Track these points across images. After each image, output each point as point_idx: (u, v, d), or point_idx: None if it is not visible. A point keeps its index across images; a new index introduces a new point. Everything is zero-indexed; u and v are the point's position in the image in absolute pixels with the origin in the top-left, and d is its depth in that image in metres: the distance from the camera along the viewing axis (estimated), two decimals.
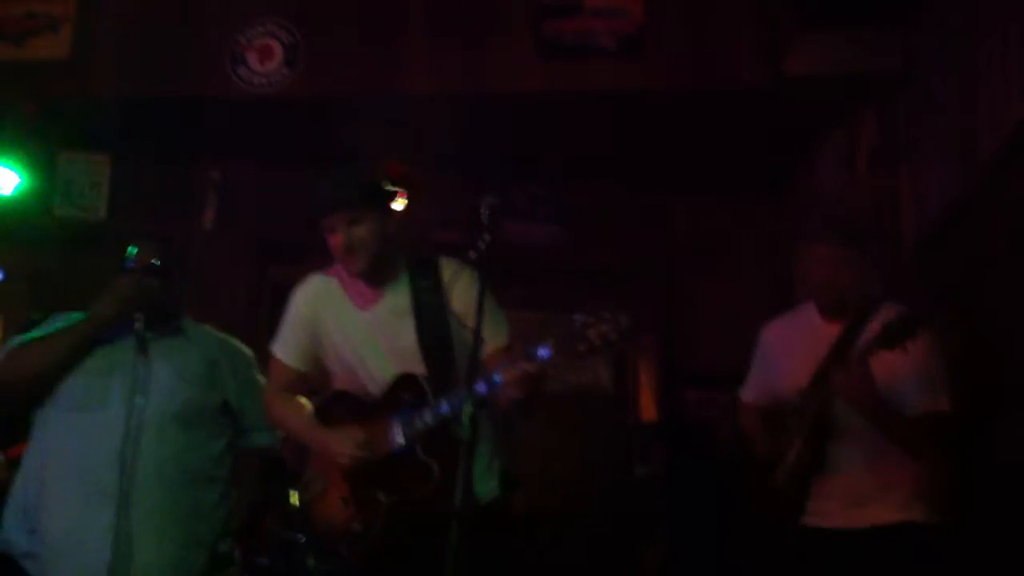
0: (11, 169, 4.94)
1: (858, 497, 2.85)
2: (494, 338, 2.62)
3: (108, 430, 2.76)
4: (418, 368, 2.66)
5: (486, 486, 2.69)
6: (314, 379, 2.91)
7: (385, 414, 2.66)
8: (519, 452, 3.11)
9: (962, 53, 3.49)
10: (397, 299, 2.77)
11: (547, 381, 2.48)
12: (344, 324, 2.81)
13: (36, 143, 5.06)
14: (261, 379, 3.09)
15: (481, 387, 2.38)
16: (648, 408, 5.74)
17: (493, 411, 2.65)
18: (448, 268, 2.78)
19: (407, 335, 2.71)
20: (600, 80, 4.51)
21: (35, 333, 2.94)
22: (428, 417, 2.56)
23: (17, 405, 3.03)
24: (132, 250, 2.97)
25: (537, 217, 5.49)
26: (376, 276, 2.78)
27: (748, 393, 3.30)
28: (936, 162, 3.72)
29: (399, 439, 2.60)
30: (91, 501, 2.72)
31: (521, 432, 2.91)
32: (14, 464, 3.73)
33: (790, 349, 3.10)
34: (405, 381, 2.65)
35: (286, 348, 2.89)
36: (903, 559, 2.77)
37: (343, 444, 2.65)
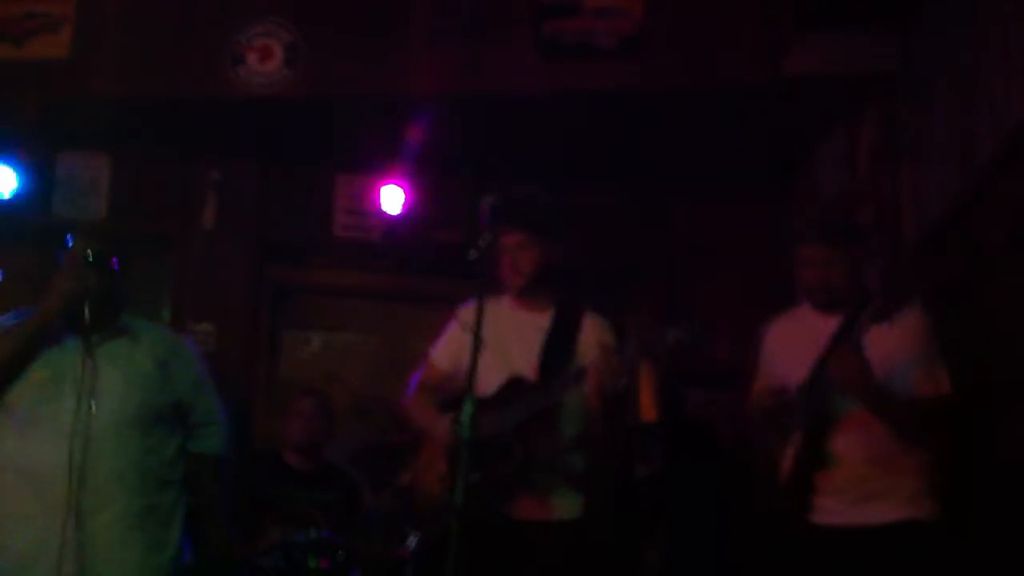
0: (11, 169, 4.93)
1: (863, 493, 2.85)
2: None
3: (59, 440, 2.71)
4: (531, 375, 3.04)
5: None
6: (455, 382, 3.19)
7: (492, 408, 2.95)
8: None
9: (962, 53, 3.49)
10: (542, 321, 3.15)
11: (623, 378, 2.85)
12: (494, 335, 3.06)
13: (36, 143, 5.06)
14: (207, 375, 3.09)
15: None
16: (648, 408, 5.74)
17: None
18: (591, 322, 3.13)
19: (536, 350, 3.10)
20: (600, 80, 4.51)
21: None
22: (523, 409, 2.93)
23: None
24: (68, 243, 2.91)
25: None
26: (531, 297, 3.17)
27: (755, 392, 3.31)
28: (936, 162, 3.73)
29: (496, 426, 2.91)
30: (48, 514, 2.68)
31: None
32: None
33: (790, 346, 3.11)
34: (515, 382, 3.02)
35: (439, 352, 3.28)
36: (908, 557, 2.77)
37: (445, 427, 3.01)
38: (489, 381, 3.02)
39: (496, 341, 3.04)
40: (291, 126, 5.06)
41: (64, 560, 2.65)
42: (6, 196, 4.93)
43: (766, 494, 3.12)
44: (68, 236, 2.93)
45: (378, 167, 5.28)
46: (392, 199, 5.27)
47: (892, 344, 2.81)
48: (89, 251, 2.85)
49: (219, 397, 3.13)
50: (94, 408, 2.74)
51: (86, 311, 2.78)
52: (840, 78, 4.17)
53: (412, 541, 3.89)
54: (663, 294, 5.57)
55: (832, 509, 2.89)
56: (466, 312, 3.10)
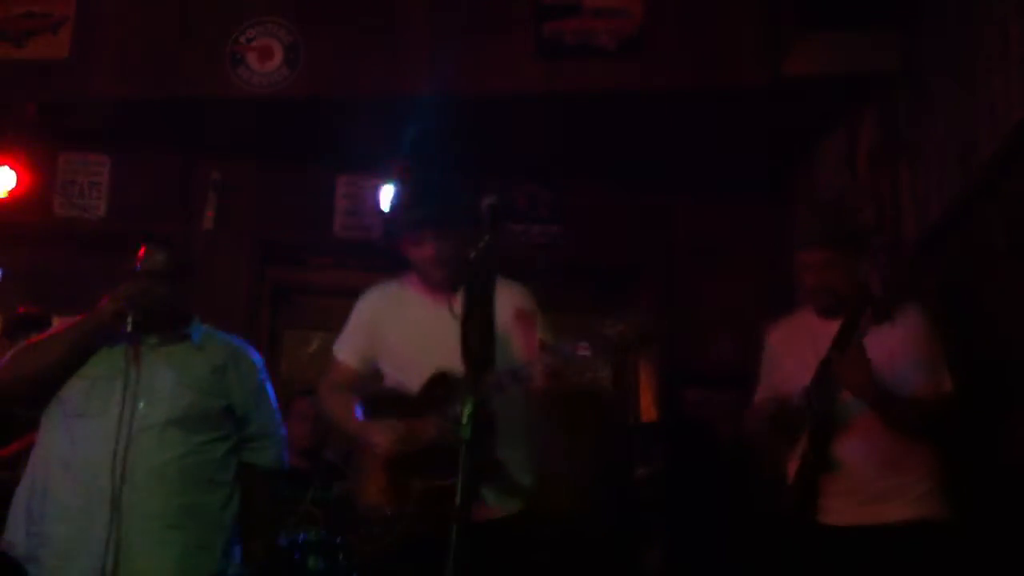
0: (11, 169, 4.93)
1: (870, 494, 2.85)
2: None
3: (107, 435, 2.75)
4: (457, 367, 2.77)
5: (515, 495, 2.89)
6: (368, 379, 3.08)
7: (422, 408, 2.81)
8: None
9: (962, 53, 3.49)
10: (455, 306, 2.87)
11: (568, 377, 2.67)
12: (405, 326, 2.99)
13: (36, 143, 5.06)
14: (269, 387, 3.10)
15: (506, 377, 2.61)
16: (648, 408, 5.74)
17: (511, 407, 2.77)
18: (504, 291, 2.88)
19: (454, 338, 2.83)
20: (600, 80, 4.51)
21: None
22: (459, 410, 2.65)
23: (18, 405, 3.02)
24: (141, 252, 2.94)
25: (537, 217, 5.49)
26: (446, 285, 2.95)
27: (759, 397, 3.31)
28: (936, 162, 3.73)
29: (433, 430, 2.76)
30: (91, 507, 2.71)
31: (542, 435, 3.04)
32: (4, 464, 3.75)
33: (793, 350, 3.11)
34: (440, 378, 2.80)
35: (345, 348, 3.10)
36: (916, 557, 2.77)
37: (383, 435, 2.83)
38: (410, 376, 2.90)
39: (411, 332, 2.96)
40: (291, 126, 5.06)
41: (106, 554, 2.67)
42: (6, 196, 4.93)
43: (772, 497, 3.12)
44: (142, 243, 2.95)
45: (378, 167, 5.28)
46: (392, 199, 5.27)
47: (894, 345, 2.83)
48: (159, 265, 2.89)
49: (277, 413, 3.13)
50: (141, 406, 2.78)
51: (135, 318, 2.81)
52: (840, 78, 4.18)
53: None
54: (663, 294, 5.58)
55: (840, 510, 2.89)
56: (367, 301, 3.07)
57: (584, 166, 5.20)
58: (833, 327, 2.99)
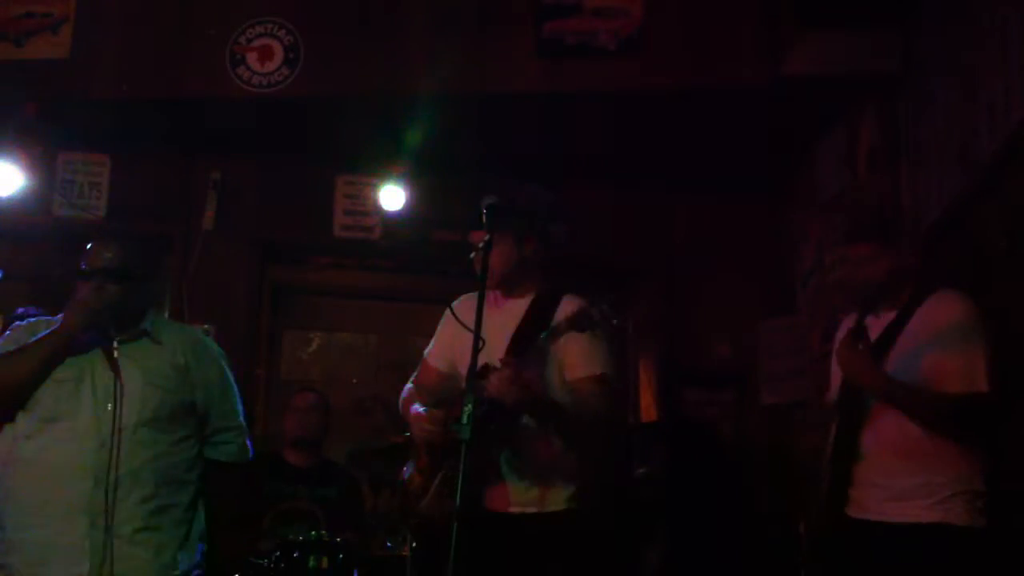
0: (11, 169, 4.93)
1: (894, 491, 2.82)
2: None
3: (79, 440, 2.73)
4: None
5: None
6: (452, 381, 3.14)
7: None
8: None
9: (962, 53, 3.49)
10: (520, 308, 3.06)
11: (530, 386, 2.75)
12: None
13: (36, 143, 5.06)
14: (228, 374, 3.07)
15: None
16: (648, 408, 5.74)
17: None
18: (568, 302, 3.01)
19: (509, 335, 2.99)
20: (600, 80, 4.51)
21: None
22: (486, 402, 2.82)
23: None
24: (89, 249, 2.89)
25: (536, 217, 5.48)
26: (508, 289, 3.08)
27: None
28: (936, 162, 3.73)
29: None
30: (64, 512, 2.70)
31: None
32: None
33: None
34: (486, 372, 2.87)
35: (430, 351, 3.24)
36: (933, 560, 2.74)
37: (424, 420, 2.95)
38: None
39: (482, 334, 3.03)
40: (291, 126, 5.06)
41: (79, 558, 2.67)
42: (6, 196, 4.93)
43: (808, 489, 3.12)
44: (88, 246, 2.91)
45: (378, 167, 5.28)
46: (392, 199, 5.27)
47: (919, 330, 2.81)
48: (107, 263, 2.84)
49: (239, 402, 3.09)
50: (111, 409, 2.75)
51: (109, 324, 2.81)
52: (840, 78, 4.18)
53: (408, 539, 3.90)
54: (663, 294, 5.58)
55: (865, 504, 2.87)
56: (456, 308, 3.06)
57: (584, 166, 5.20)
58: (882, 321, 2.96)
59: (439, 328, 3.21)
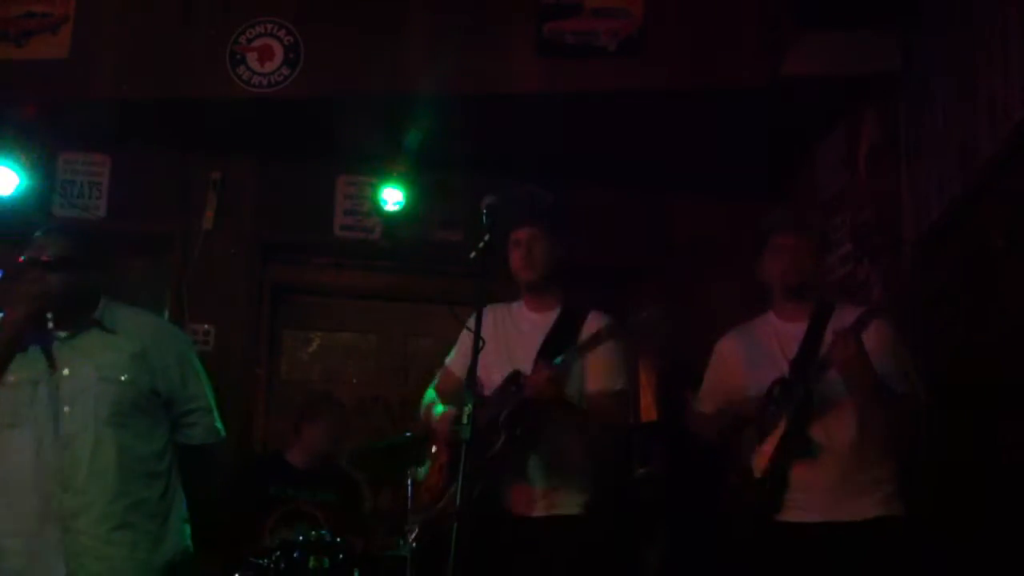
0: (11, 169, 4.93)
1: (841, 491, 2.85)
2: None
3: (39, 445, 2.68)
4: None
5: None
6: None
7: (492, 401, 3.02)
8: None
9: (962, 53, 3.50)
10: (547, 320, 3.19)
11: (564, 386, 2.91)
12: (495, 332, 3.16)
13: (36, 143, 5.06)
14: (192, 355, 3.00)
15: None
16: (648, 408, 5.74)
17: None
18: (594, 317, 3.14)
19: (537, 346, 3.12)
20: (600, 80, 4.51)
21: None
22: (513, 399, 2.97)
23: None
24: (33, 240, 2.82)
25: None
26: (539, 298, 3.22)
27: (706, 404, 3.32)
28: (936, 162, 3.73)
29: (483, 419, 2.90)
30: (32, 520, 2.67)
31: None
32: None
33: (753, 357, 3.11)
34: (515, 376, 3.04)
35: (452, 357, 3.35)
36: (887, 553, 2.78)
37: (444, 420, 3.15)
38: (494, 381, 3.07)
39: (503, 342, 3.12)
40: (291, 126, 5.06)
41: (56, 565, 2.64)
42: (6, 196, 4.93)
43: (736, 494, 3.13)
44: (31, 238, 2.85)
45: (378, 167, 5.28)
46: (392, 199, 5.27)
47: (872, 351, 2.82)
48: (45, 254, 2.78)
49: (205, 382, 3.01)
50: (67, 409, 2.71)
51: (48, 316, 2.74)
52: (840, 78, 4.18)
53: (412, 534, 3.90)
54: (663, 294, 5.57)
55: (808, 506, 2.87)
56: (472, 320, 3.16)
57: (584, 166, 5.20)
58: (797, 328, 3.00)
59: (461, 336, 3.28)
